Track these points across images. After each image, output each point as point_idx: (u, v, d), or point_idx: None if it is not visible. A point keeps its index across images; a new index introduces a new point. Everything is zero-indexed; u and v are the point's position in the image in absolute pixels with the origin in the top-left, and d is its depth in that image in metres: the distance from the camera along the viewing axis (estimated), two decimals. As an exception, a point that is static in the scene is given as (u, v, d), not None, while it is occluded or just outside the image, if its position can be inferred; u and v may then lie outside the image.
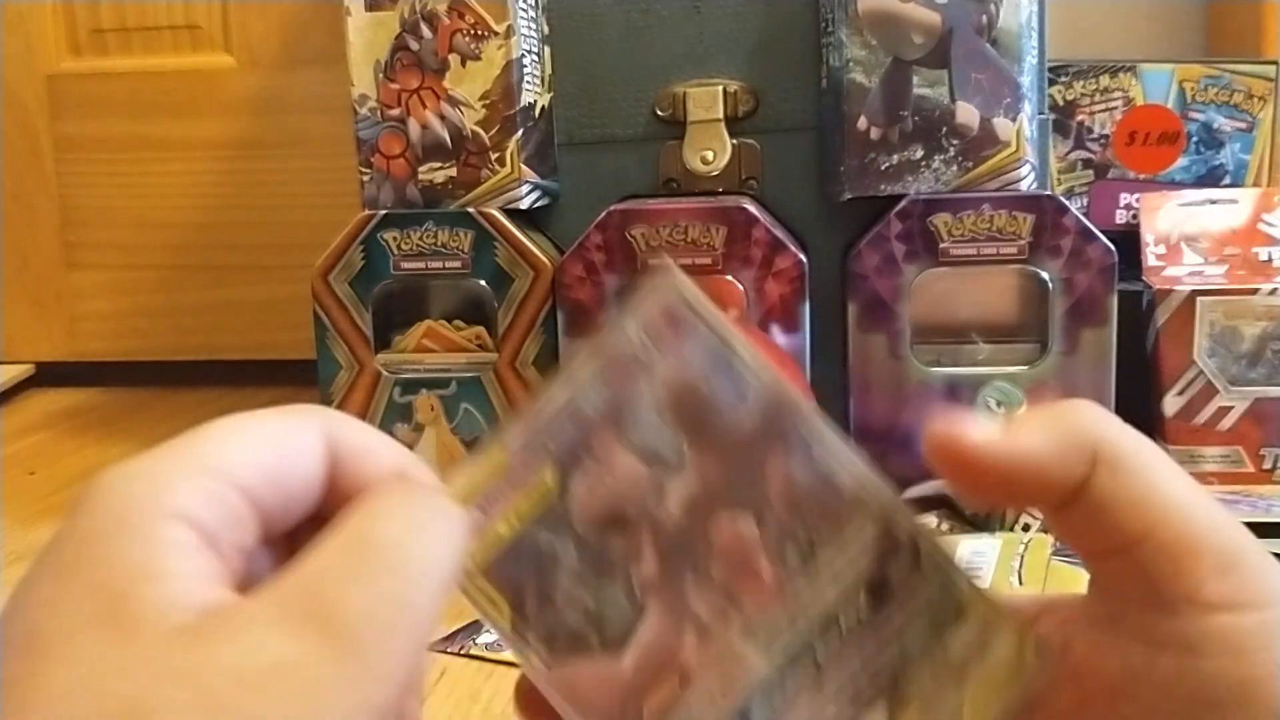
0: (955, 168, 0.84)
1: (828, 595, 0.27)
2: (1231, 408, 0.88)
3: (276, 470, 0.25)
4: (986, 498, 0.27)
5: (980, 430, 0.26)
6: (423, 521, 0.24)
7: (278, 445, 0.25)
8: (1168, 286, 0.89)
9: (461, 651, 0.65)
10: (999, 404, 0.85)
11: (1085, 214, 0.98)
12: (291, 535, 0.26)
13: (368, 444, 0.26)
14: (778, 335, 0.85)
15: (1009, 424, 0.26)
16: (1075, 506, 0.26)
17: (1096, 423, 0.27)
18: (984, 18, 0.83)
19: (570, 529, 0.27)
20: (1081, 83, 1.01)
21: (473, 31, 0.88)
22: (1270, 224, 0.94)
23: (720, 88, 0.92)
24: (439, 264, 0.88)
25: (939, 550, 0.27)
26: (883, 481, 0.27)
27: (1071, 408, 0.27)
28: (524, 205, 0.89)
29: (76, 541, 0.23)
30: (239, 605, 0.22)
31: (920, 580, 0.27)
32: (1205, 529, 0.25)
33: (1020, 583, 0.68)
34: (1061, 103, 1.01)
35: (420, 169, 0.89)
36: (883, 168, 0.85)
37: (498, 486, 0.27)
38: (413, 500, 0.24)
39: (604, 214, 0.86)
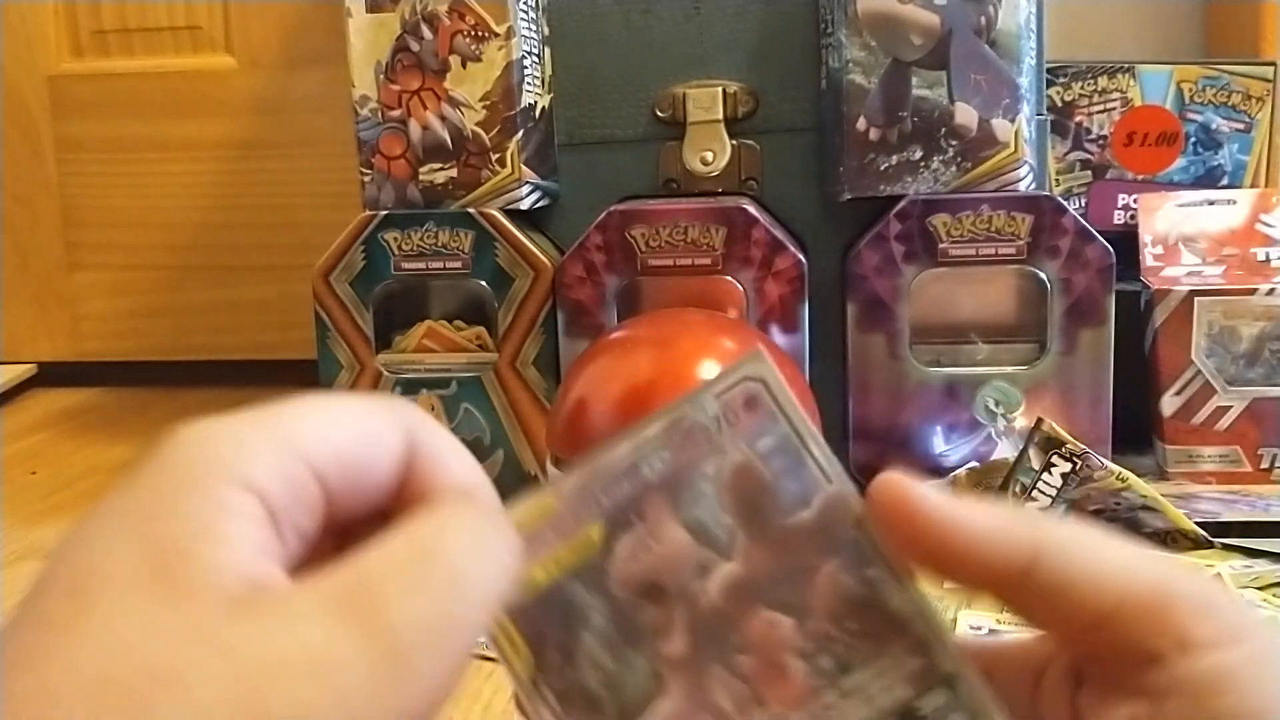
0: (954, 168, 0.85)
1: (856, 715, 0.26)
2: (1230, 407, 0.88)
3: (354, 461, 0.25)
4: (923, 563, 0.27)
5: (932, 495, 0.26)
6: (487, 543, 0.24)
7: (360, 435, 0.25)
8: (1166, 287, 0.89)
9: (462, 650, 0.66)
10: (998, 404, 0.85)
11: (1083, 214, 0.99)
12: (349, 527, 0.26)
13: (445, 452, 0.26)
14: (777, 335, 0.85)
15: (957, 499, 0.27)
16: (1031, 595, 0.26)
17: (1036, 517, 0.27)
18: (983, 19, 0.83)
19: (606, 589, 0.27)
20: (1080, 84, 1.01)
21: (473, 33, 0.88)
22: (1268, 224, 0.94)
23: (720, 88, 0.92)
24: (439, 264, 0.89)
25: (979, 693, 0.26)
26: (935, 610, 0.27)
27: (1010, 508, 0.28)
28: (524, 206, 0.89)
29: (144, 492, 0.22)
30: (292, 590, 0.22)
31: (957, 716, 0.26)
32: (1173, 581, 0.26)
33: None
34: (1060, 104, 1.01)
35: (421, 170, 0.89)
36: (882, 168, 0.85)
37: (542, 531, 0.27)
38: (481, 521, 0.24)
39: (604, 214, 0.86)
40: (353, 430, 0.25)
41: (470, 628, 0.22)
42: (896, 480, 0.27)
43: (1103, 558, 0.26)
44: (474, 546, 0.23)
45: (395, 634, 0.21)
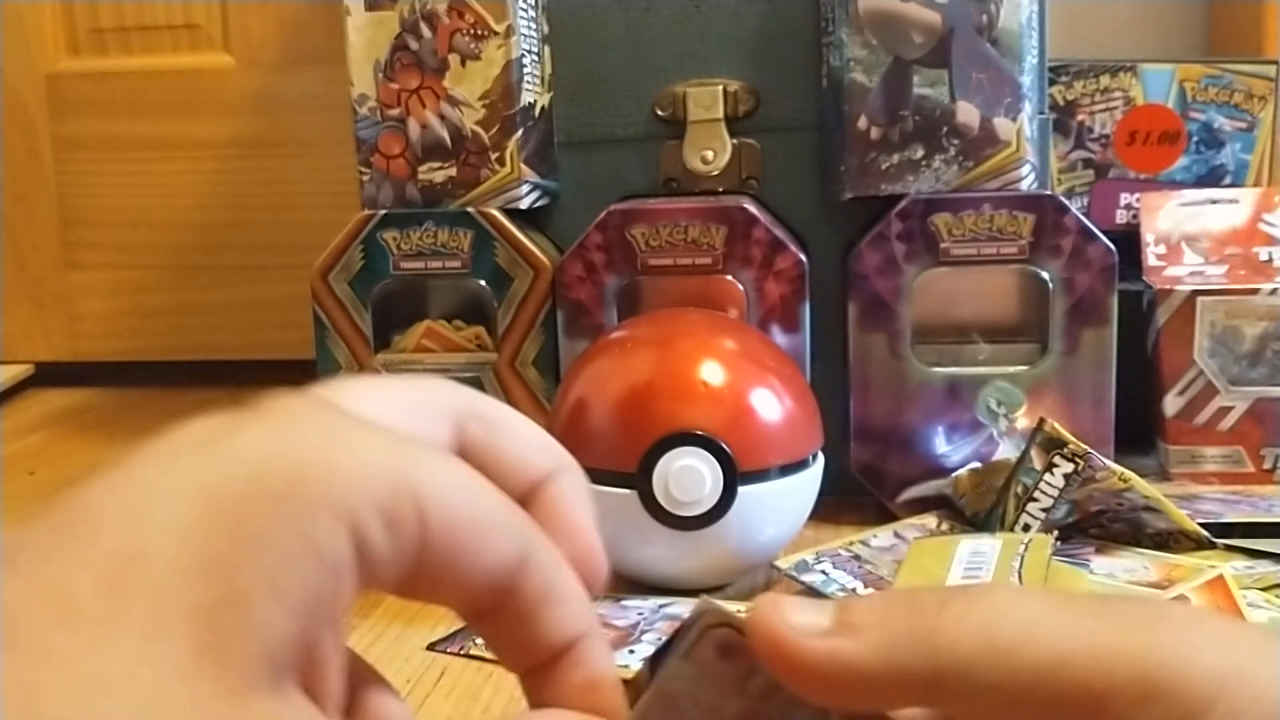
0: (956, 167, 0.84)
1: None
2: (1232, 408, 0.88)
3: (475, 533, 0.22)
4: (812, 696, 0.24)
5: (805, 625, 0.23)
6: None
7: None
8: (1168, 286, 0.89)
9: (461, 652, 0.65)
10: (1000, 404, 0.85)
11: (1086, 214, 0.98)
12: None
13: (511, 429, 0.24)
14: (778, 335, 0.85)
15: (840, 623, 0.23)
16: (950, 693, 0.22)
17: (929, 625, 0.23)
18: (984, 17, 0.83)
19: None
20: (1082, 82, 1.00)
21: (472, 31, 0.88)
22: (1271, 224, 0.94)
23: (720, 87, 0.92)
24: (438, 264, 0.88)
25: None
26: None
27: (906, 603, 0.23)
28: (524, 205, 0.89)
29: (222, 485, 0.19)
30: None
31: None
32: (1100, 668, 0.21)
33: (1020, 582, 0.68)
34: (1062, 102, 1.01)
35: (420, 169, 0.89)
36: (883, 167, 0.85)
37: None
38: None
39: (604, 214, 0.86)
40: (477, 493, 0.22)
41: None
42: (765, 619, 0.23)
43: (1015, 666, 0.22)
44: None
45: None
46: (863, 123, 0.85)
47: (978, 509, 0.80)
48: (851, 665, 0.22)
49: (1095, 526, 0.76)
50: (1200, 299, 0.88)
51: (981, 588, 0.23)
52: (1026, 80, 0.83)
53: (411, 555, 0.21)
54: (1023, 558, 0.70)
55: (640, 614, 0.68)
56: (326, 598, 0.20)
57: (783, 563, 0.72)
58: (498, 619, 0.24)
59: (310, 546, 0.19)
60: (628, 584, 0.72)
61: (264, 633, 0.18)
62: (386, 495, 0.20)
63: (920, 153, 0.84)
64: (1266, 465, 0.88)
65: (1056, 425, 0.76)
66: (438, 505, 0.21)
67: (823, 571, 0.71)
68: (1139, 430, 0.90)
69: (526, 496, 0.25)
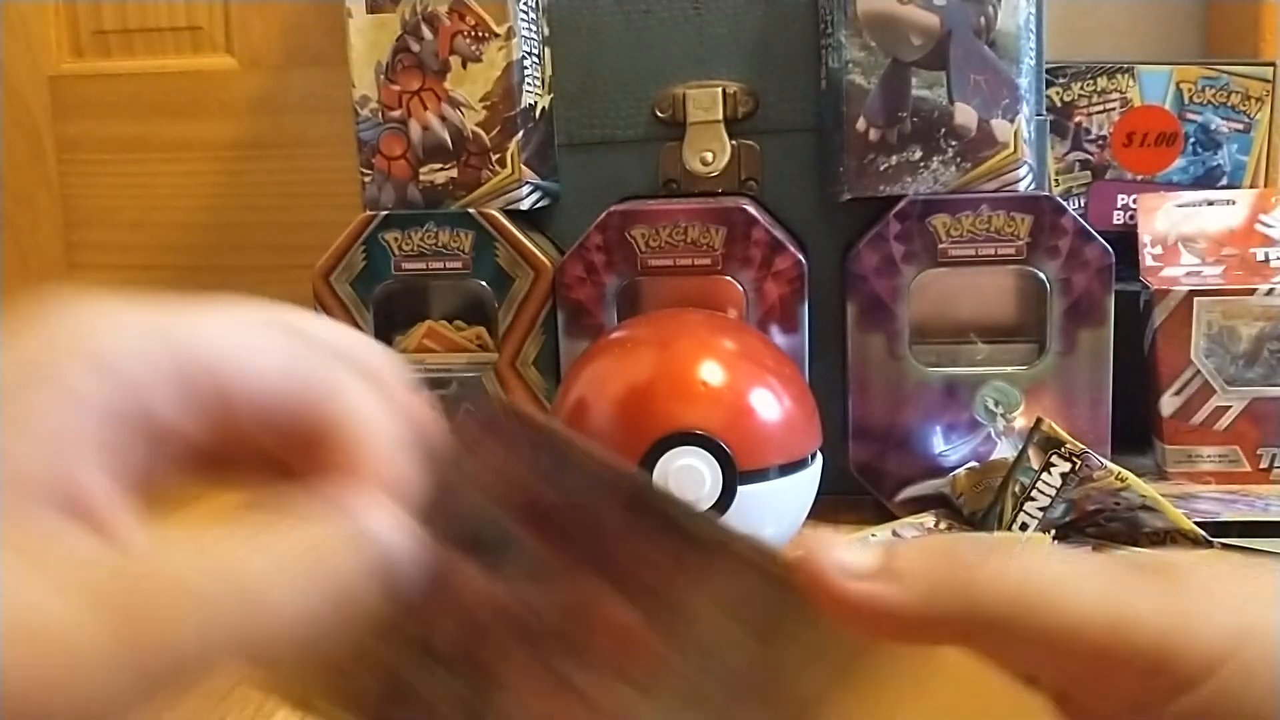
0: (954, 169, 0.85)
1: (713, 646, 0.26)
2: (1229, 407, 0.88)
3: (240, 375, 0.23)
4: (853, 628, 0.25)
5: (852, 566, 0.25)
6: (307, 574, 0.22)
7: (250, 351, 0.24)
8: (1165, 287, 0.89)
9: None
10: (997, 404, 0.85)
11: (1083, 215, 0.99)
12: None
13: (365, 414, 0.25)
14: (777, 335, 0.85)
15: (884, 568, 0.25)
16: (983, 640, 0.24)
17: (967, 564, 0.24)
18: (982, 19, 0.84)
19: (437, 659, 0.26)
20: (1079, 84, 1.01)
21: (473, 33, 0.88)
22: (1268, 225, 0.94)
23: (720, 89, 0.92)
24: (440, 264, 0.89)
25: (775, 552, 0.26)
26: (737, 528, 0.26)
27: (946, 553, 0.25)
28: (524, 206, 0.89)
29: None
30: (80, 535, 0.20)
31: (797, 611, 0.26)
32: (1113, 639, 0.23)
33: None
34: (1059, 104, 1.01)
35: (421, 170, 0.89)
36: (881, 169, 0.85)
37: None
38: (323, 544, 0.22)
39: (604, 214, 0.86)
40: (244, 344, 0.23)
41: (246, 648, 0.21)
42: (816, 556, 0.25)
43: (1042, 624, 0.23)
44: (280, 572, 0.21)
45: (151, 656, 0.19)
46: (861, 124, 0.85)
47: (975, 508, 0.80)
48: (891, 608, 0.24)
49: (1092, 526, 0.76)
50: (1197, 299, 0.88)
51: (1018, 546, 0.25)
52: (1024, 82, 0.84)
53: (194, 404, 0.22)
54: (1020, 556, 0.71)
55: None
56: (86, 436, 0.21)
57: (781, 561, 0.72)
58: (311, 459, 0.25)
59: (65, 393, 0.21)
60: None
61: (16, 464, 0.20)
62: (150, 347, 0.22)
63: (918, 154, 0.85)
64: (1263, 465, 0.88)
65: (1054, 425, 0.77)
66: (204, 351, 0.23)
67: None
68: (1136, 430, 0.90)
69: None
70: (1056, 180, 1.02)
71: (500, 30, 0.88)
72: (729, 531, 0.26)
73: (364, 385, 0.26)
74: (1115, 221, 1.01)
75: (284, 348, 0.25)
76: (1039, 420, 0.78)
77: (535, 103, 0.91)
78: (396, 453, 0.26)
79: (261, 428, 0.24)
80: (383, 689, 0.26)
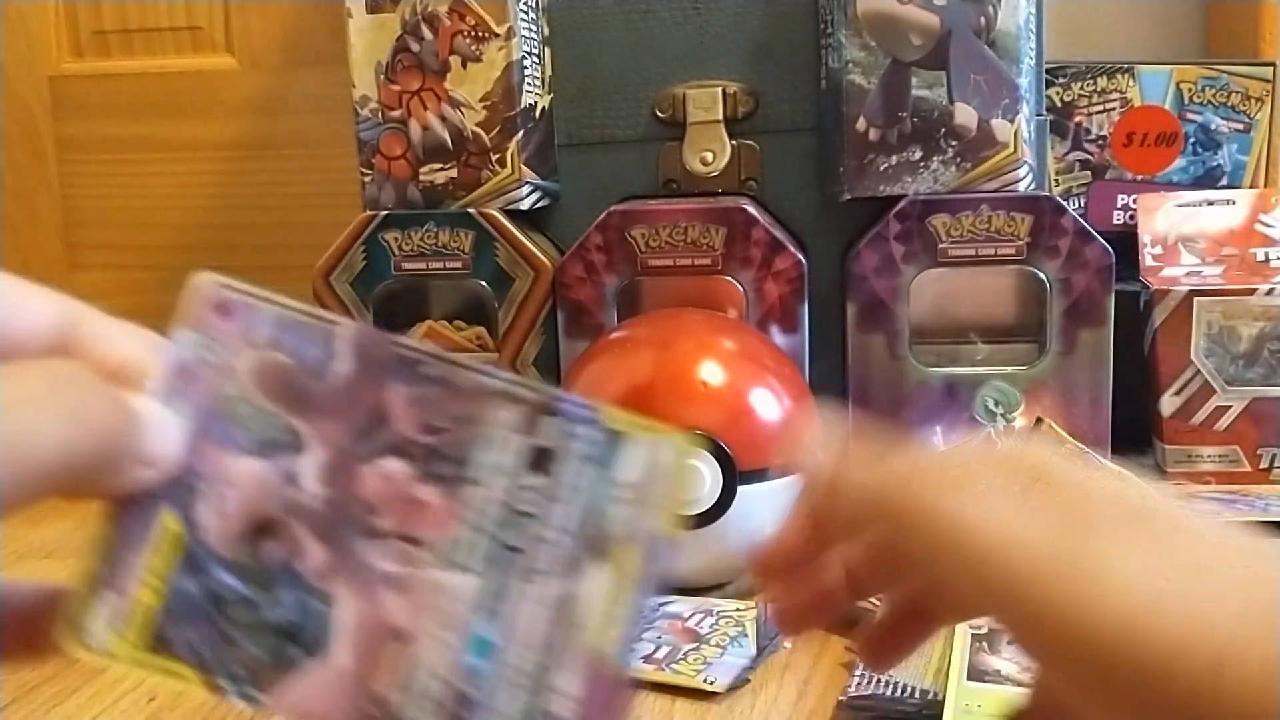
0: (954, 169, 0.85)
1: (497, 489, 0.26)
2: (1229, 407, 0.88)
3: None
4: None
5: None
6: (51, 402, 0.22)
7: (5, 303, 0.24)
8: (1165, 287, 0.89)
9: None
10: (997, 404, 0.85)
11: (1083, 215, 0.99)
12: None
13: (109, 332, 0.26)
14: (777, 336, 0.85)
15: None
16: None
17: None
18: (982, 19, 0.84)
19: (218, 560, 0.26)
20: (1079, 84, 1.01)
21: (473, 33, 0.88)
22: (1267, 224, 0.94)
23: (720, 89, 0.92)
24: (440, 264, 0.89)
25: (573, 399, 0.26)
26: (490, 366, 0.27)
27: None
28: (524, 206, 0.89)
29: None
30: None
31: (570, 432, 0.26)
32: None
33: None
34: (1059, 104, 1.01)
35: (421, 170, 0.89)
36: (881, 169, 0.85)
37: (118, 557, 0.26)
38: (62, 379, 0.23)
39: (604, 214, 0.86)
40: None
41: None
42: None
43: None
44: (31, 402, 0.22)
45: None
46: (861, 124, 0.85)
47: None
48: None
49: (1092, 525, 0.76)
50: (1197, 299, 0.88)
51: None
52: (1024, 82, 0.84)
53: None
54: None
55: (640, 612, 0.68)
56: None
57: (781, 561, 0.72)
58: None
59: None
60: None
61: None
62: None
63: (918, 154, 0.85)
64: (1263, 465, 0.88)
65: (1054, 425, 0.77)
66: None
67: (821, 570, 0.71)
68: (1136, 430, 0.90)
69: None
70: (1056, 180, 1.02)
71: (500, 30, 0.88)
72: (494, 374, 0.26)
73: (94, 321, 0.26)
74: (1115, 221, 1.01)
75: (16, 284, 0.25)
76: (1039, 420, 0.78)
77: (535, 103, 0.91)
78: (139, 344, 0.26)
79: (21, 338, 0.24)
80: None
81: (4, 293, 0.24)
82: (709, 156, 0.92)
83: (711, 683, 0.59)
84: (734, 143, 0.92)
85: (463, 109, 0.89)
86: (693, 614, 0.67)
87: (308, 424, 0.26)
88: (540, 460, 0.26)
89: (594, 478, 0.26)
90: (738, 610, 0.67)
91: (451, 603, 0.26)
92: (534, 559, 0.26)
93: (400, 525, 0.26)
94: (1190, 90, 1.00)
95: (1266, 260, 0.93)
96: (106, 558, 0.26)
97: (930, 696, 0.55)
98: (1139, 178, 1.01)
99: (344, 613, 0.26)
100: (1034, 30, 0.85)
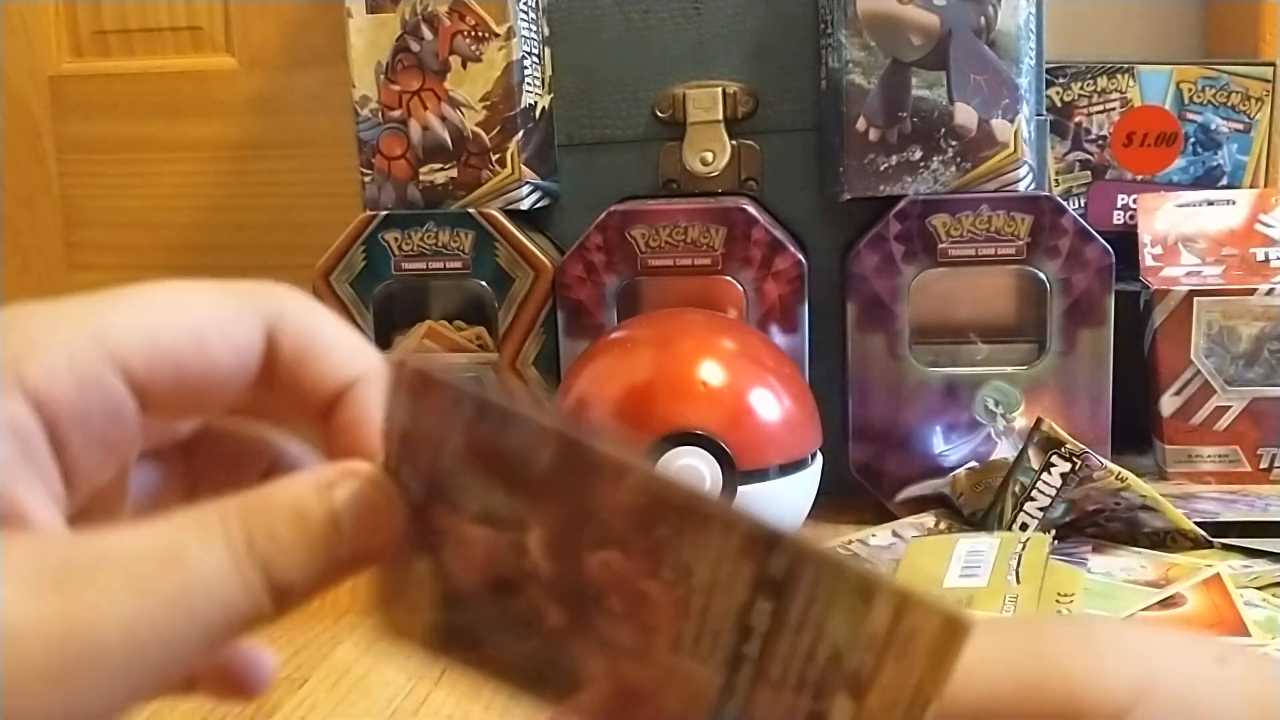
0: (954, 169, 0.85)
1: (726, 602, 0.25)
2: (1229, 407, 0.88)
3: (185, 360, 0.22)
4: None
5: None
6: (238, 573, 0.21)
7: (197, 329, 0.22)
8: (1165, 287, 0.89)
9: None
10: (997, 404, 0.85)
11: (1083, 215, 0.99)
12: (213, 435, 0.23)
13: (321, 340, 0.24)
14: (777, 335, 0.85)
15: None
16: None
17: None
18: (982, 19, 0.84)
19: (474, 602, 0.26)
20: (1079, 84, 1.01)
21: (473, 33, 0.88)
22: (1267, 224, 0.94)
23: (720, 89, 0.92)
24: (440, 264, 0.89)
25: (806, 541, 0.25)
26: (704, 490, 0.25)
27: None
28: (524, 206, 0.89)
29: None
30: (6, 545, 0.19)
31: (809, 570, 0.25)
32: (1027, 704, 0.24)
33: (1018, 581, 0.68)
34: (1059, 104, 1.01)
35: (421, 170, 0.89)
36: (881, 168, 0.85)
37: (388, 587, 0.26)
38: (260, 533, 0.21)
39: (604, 214, 0.86)
40: (186, 323, 0.22)
41: (177, 648, 0.20)
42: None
43: (957, 707, 0.23)
44: (220, 569, 0.20)
45: (90, 629, 0.19)
46: (861, 124, 0.85)
47: (975, 508, 0.80)
48: None
49: (1092, 525, 0.76)
50: (1197, 299, 0.89)
51: None
52: (1024, 82, 0.84)
53: (128, 395, 0.22)
54: (1020, 557, 0.71)
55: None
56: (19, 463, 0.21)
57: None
58: (274, 388, 0.24)
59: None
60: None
61: None
62: (85, 358, 0.21)
63: (918, 154, 0.85)
64: (1263, 465, 0.88)
65: (1054, 425, 0.77)
66: (132, 338, 0.22)
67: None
68: (1136, 430, 0.90)
69: (336, 396, 0.26)
70: (1056, 180, 1.02)
71: (500, 30, 0.88)
72: (709, 497, 0.25)
73: (300, 306, 0.25)
74: (1115, 221, 1.01)
75: (211, 303, 0.24)
76: (1039, 420, 0.78)
77: (535, 103, 0.91)
78: (356, 363, 0.25)
79: (224, 377, 0.23)
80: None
81: (196, 322, 0.22)
82: (709, 156, 0.92)
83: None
84: (734, 143, 0.92)
85: (463, 109, 0.89)
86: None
87: (526, 505, 0.26)
88: (774, 588, 0.25)
89: (838, 618, 0.25)
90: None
91: (694, 688, 0.25)
92: (773, 673, 0.25)
93: (630, 610, 0.25)
94: (1190, 90, 1.00)
95: (1266, 260, 0.93)
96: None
97: None
98: (1139, 178, 1.01)
99: (591, 667, 0.26)
100: (1034, 30, 0.85)
